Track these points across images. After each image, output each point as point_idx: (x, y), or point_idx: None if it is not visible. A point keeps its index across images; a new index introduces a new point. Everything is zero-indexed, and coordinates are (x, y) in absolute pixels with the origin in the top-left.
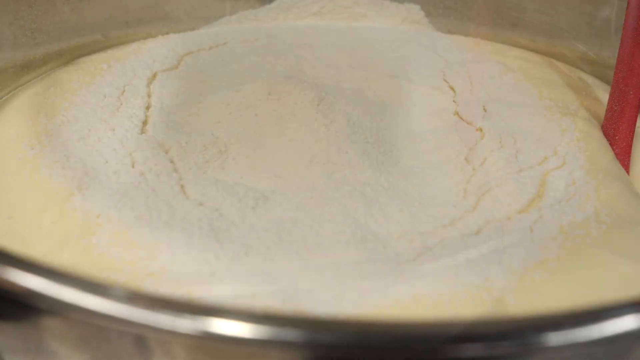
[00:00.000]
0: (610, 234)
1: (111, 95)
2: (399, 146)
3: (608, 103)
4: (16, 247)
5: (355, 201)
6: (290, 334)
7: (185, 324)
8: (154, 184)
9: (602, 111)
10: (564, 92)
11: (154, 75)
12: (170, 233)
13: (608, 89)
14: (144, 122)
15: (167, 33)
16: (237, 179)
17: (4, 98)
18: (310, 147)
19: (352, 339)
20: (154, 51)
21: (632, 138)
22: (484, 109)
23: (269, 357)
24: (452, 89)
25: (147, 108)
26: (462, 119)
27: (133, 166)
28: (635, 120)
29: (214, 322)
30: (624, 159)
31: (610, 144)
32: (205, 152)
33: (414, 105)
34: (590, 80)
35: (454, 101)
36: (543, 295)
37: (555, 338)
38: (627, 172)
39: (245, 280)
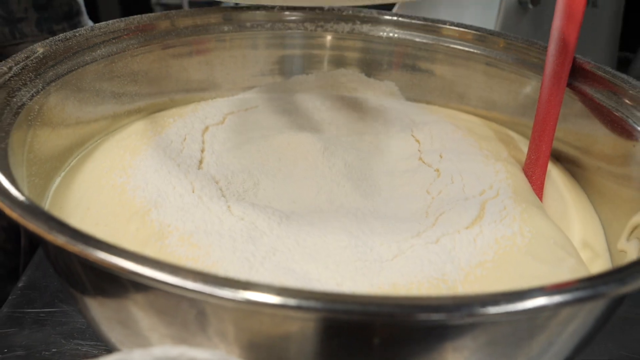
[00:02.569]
0: (531, 244)
1: (176, 142)
2: (379, 182)
3: (527, 153)
4: None
5: (350, 220)
6: (306, 302)
7: (236, 294)
8: (208, 204)
9: (523, 158)
10: (497, 144)
11: (206, 128)
12: (220, 239)
13: (527, 142)
14: (200, 161)
15: (215, 97)
16: (266, 203)
17: (98, 141)
18: (318, 182)
19: (350, 307)
20: (206, 110)
21: (544, 178)
22: (440, 156)
23: (282, 317)
24: (417, 141)
25: (202, 151)
26: (424, 163)
27: (193, 191)
28: (546, 166)
29: (254, 294)
30: (539, 192)
31: (529, 181)
32: (244, 184)
33: (390, 153)
34: (515, 136)
35: (418, 150)
36: (483, 286)
37: (493, 309)
38: (541, 201)
39: (273, 272)
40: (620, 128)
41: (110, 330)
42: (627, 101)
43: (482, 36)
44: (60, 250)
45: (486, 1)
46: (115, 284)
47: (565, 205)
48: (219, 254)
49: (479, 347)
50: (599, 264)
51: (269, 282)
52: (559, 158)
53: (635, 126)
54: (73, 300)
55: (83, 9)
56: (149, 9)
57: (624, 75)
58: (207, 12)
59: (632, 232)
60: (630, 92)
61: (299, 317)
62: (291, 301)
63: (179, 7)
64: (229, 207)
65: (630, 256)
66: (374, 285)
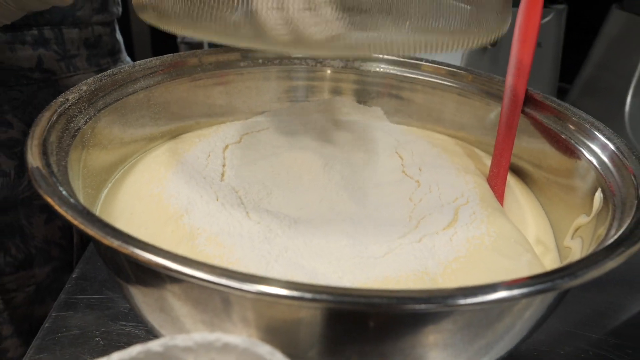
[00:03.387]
0: (496, 242)
1: (202, 158)
2: (371, 192)
3: (490, 167)
4: None
5: (347, 224)
6: (312, 295)
7: (253, 287)
8: (230, 210)
9: (487, 171)
10: (466, 160)
11: (226, 147)
12: (241, 239)
13: (490, 158)
14: (222, 174)
15: (233, 120)
16: (278, 209)
17: (137, 158)
18: (320, 192)
19: (350, 299)
20: (226, 131)
21: (504, 187)
22: (419, 169)
23: (296, 307)
24: (400, 157)
25: (223, 166)
26: (407, 175)
27: (217, 200)
28: (506, 177)
29: (269, 287)
30: (500, 199)
31: (493, 190)
32: (259, 194)
33: (379, 167)
34: (480, 153)
35: (401, 165)
36: (458, 277)
37: (469, 299)
38: (502, 206)
39: (286, 267)
40: (565, 147)
41: (151, 314)
42: (570, 126)
43: (453, 72)
44: (112, 250)
45: None
46: (156, 278)
47: (522, 210)
48: (241, 252)
49: (458, 329)
50: (549, 257)
51: (283, 275)
52: (516, 171)
53: (577, 146)
54: (119, 288)
55: (123, 47)
56: (175, 47)
57: (566, 104)
58: (227, 50)
59: (575, 232)
60: (573, 118)
61: (310, 306)
62: (307, 295)
63: (200, 45)
64: (247, 213)
65: (575, 251)
66: (370, 278)
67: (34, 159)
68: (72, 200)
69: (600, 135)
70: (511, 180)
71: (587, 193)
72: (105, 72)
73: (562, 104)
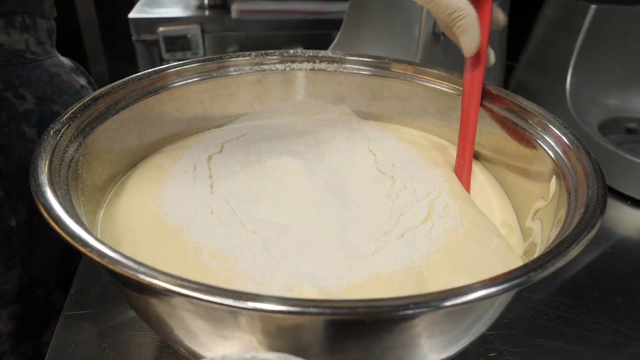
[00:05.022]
0: (469, 232)
1: (188, 171)
2: (352, 193)
3: (456, 159)
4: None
5: (335, 227)
6: (306, 309)
7: (254, 305)
8: (226, 222)
9: (453, 162)
10: (434, 152)
11: (210, 157)
12: (242, 251)
13: (455, 148)
14: (211, 187)
15: (210, 128)
16: (269, 218)
17: (126, 175)
18: (306, 198)
19: (362, 310)
20: (206, 141)
21: (470, 177)
22: (392, 165)
23: (292, 320)
24: (373, 154)
25: (210, 177)
26: (381, 172)
27: (212, 213)
28: (471, 168)
29: (268, 304)
30: (467, 188)
31: (460, 180)
32: (249, 203)
33: (355, 166)
34: (446, 143)
35: (375, 162)
36: (442, 267)
37: (447, 302)
38: (469, 194)
39: (288, 274)
40: (520, 137)
41: (159, 326)
42: (523, 116)
43: (419, 69)
44: (136, 282)
45: (407, 34)
46: (165, 296)
47: (487, 196)
48: (244, 264)
49: (441, 317)
50: (514, 237)
51: (287, 283)
52: (479, 158)
53: (531, 136)
54: (129, 303)
55: None
56: (131, 45)
57: (520, 97)
58: (204, 61)
59: (534, 214)
60: (526, 109)
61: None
62: (327, 310)
63: (156, 42)
64: (242, 223)
65: (536, 231)
66: (363, 276)
67: (45, 200)
68: (93, 241)
69: (553, 128)
70: (476, 169)
71: (543, 179)
72: (88, 96)
73: (515, 96)
